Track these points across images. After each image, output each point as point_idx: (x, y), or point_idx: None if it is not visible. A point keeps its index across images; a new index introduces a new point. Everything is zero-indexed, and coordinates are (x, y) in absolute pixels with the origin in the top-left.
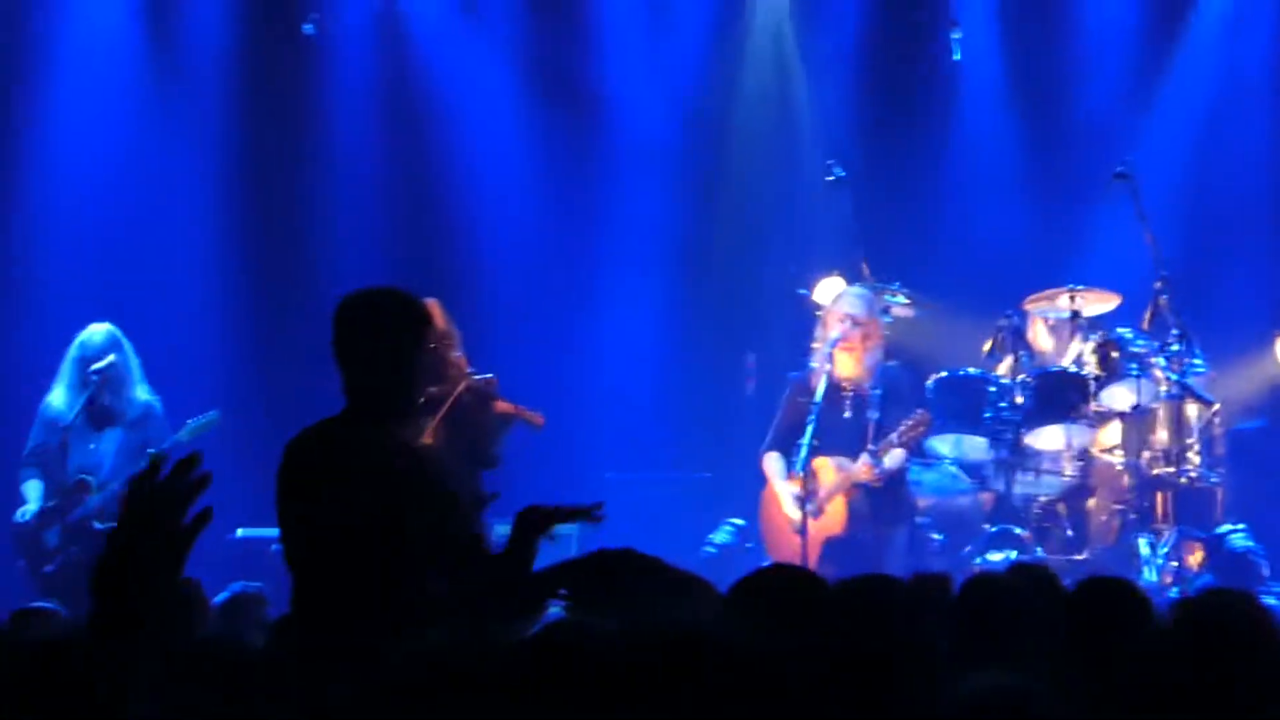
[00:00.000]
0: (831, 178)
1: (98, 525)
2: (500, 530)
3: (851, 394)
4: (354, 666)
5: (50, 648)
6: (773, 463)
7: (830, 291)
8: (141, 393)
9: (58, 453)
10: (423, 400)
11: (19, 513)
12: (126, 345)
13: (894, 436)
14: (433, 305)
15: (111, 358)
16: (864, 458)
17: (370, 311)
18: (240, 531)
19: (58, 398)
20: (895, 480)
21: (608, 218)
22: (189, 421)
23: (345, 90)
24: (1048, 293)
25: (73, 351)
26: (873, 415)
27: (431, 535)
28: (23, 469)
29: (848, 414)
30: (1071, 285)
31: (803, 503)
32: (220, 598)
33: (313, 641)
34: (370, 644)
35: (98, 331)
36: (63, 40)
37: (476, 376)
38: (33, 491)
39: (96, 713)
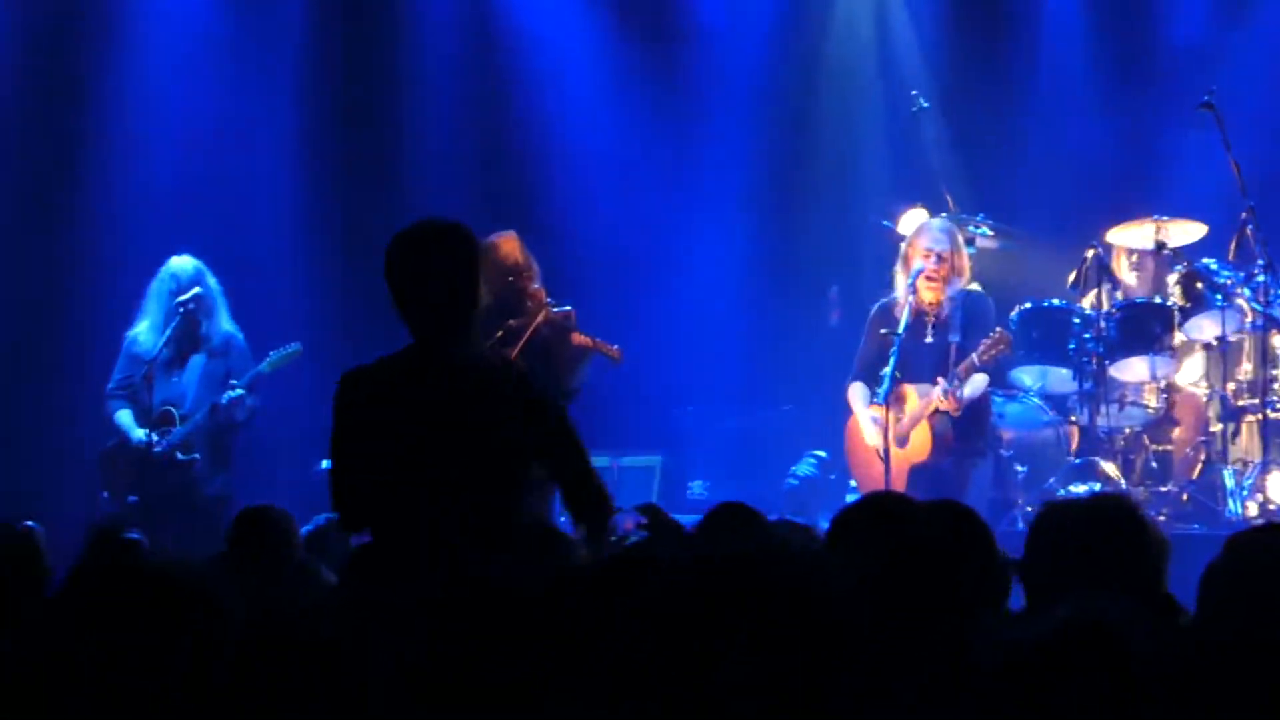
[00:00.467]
0: (915, 108)
1: (181, 456)
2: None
3: (933, 320)
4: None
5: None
6: (857, 392)
7: (914, 222)
8: (225, 324)
9: (143, 384)
10: (500, 333)
11: (133, 436)
12: (210, 278)
13: (974, 358)
14: (510, 238)
15: (196, 289)
16: (942, 385)
17: (436, 241)
18: (326, 463)
19: (144, 331)
20: (978, 410)
21: (693, 150)
22: (271, 353)
23: (428, 23)
24: (1132, 223)
25: (158, 285)
26: (954, 338)
27: (563, 458)
28: (110, 401)
29: (930, 339)
30: (1156, 215)
31: (886, 431)
32: (307, 529)
33: (395, 569)
34: (454, 568)
35: (184, 264)
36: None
37: (555, 309)
38: (127, 419)
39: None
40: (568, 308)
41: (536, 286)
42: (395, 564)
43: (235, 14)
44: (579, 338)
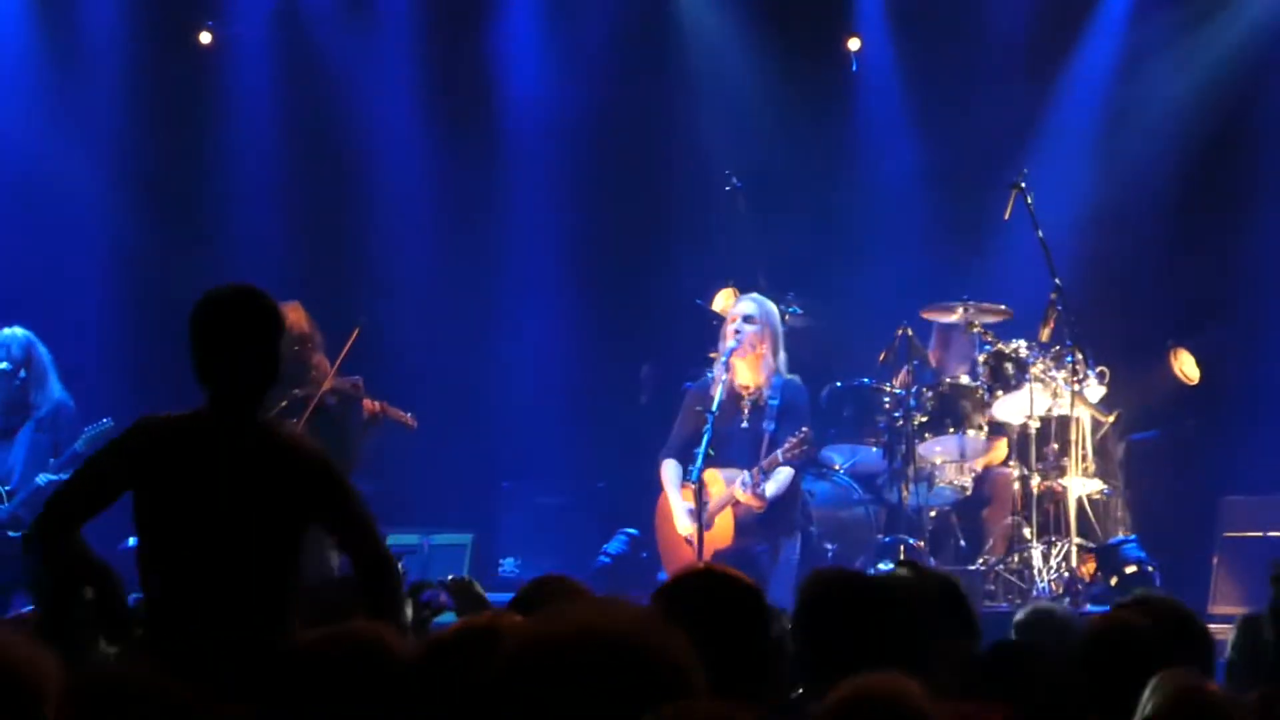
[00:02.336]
0: (728, 187)
1: (11, 534)
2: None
3: (749, 403)
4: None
5: None
6: (668, 470)
7: (726, 302)
8: (56, 391)
9: None
10: (285, 402)
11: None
12: (40, 346)
13: (778, 454)
14: (296, 307)
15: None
16: (742, 479)
17: (237, 307)
18: (132, 540)
19: None
20: (788, 493)
21: (505, 228)
22: (86, 429)
23: (243, 96)
24: (942, 304)
25: None
26: (768, 427)
27: (345, 526)
28: None
29: (745, 424)
30: (966, 298)
31: (699, 511)
32: (135, 598)
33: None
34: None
35: (13, 334)
36: None
37: (341, 379)
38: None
39: None
40: (356, 378)
41: (320, 357)
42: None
43: (45, 64)
44: (369, 404)
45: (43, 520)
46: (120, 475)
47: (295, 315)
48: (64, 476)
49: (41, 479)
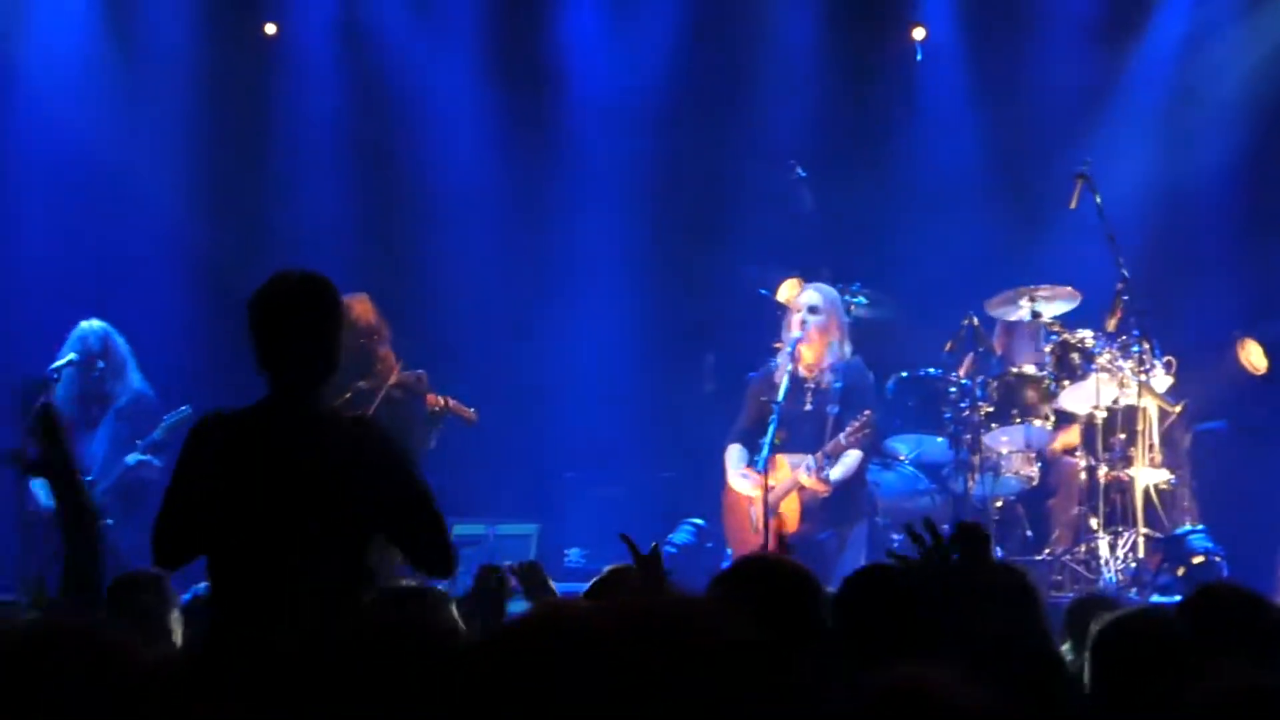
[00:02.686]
0: (793, 177)
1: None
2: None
3: (813, 387)
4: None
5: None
6: (732, 454)
7: (791, 292)
8: (135, 382)
9: None
10: (349, 394)
11: (35, 508)
12: (117, 338)
13: (842, 438)
14: (364, 300)
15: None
16: (807, 464)
17: (298, 293)
18: None
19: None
20: (854, 480)
21: (571, 219)
22: (165, 417)
23: (307, 90)
24: (1008, 293)
25: (67, 348)
26: (832, 410)
27: (407, 517)
28: None
29: (808, 407)
30: (1032, 285)
31: (765, 500)
32: (186, 598)
33: (241, 631)
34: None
35: (90, 328)
36: (23, 45)
37: (406, 372)
38: (42, 488)
39: None
40: (420, 371)
41: (386, 350)
42: (244, 625)
43: (111, 59)
44: (433, 399)
45: (158, 560)
46: (206, 477)
47: (362, 307)
48: (150, 458)
49: (131, 459)
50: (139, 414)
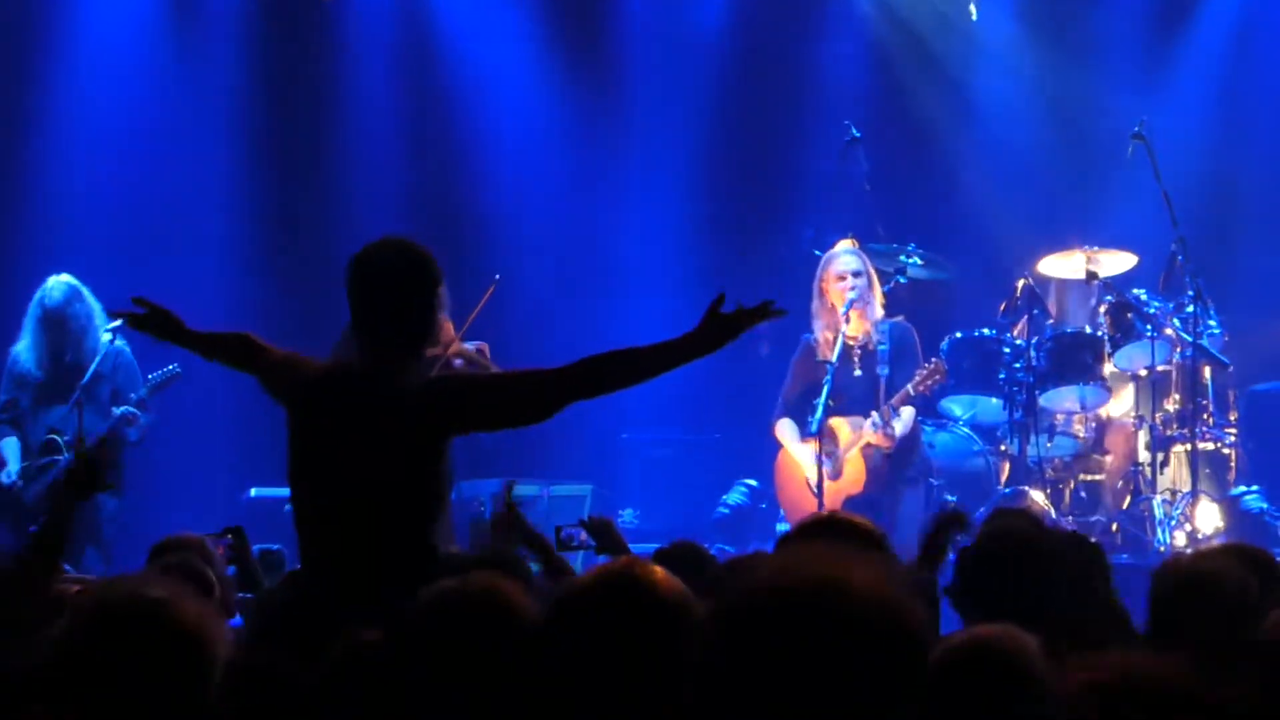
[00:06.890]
0: (848, 139)
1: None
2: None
3: (860, 351)
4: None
5: None
6: (785, 429)
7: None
8: (105, 339)
9: (29, 410)
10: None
11: (2, 474)
12: (87, 294)
13: (909, 388)
14: None
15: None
16: (874, 420)
17: (405, 260)
18: (254, 491)
19: (25, 353)
20: (910, 439)
21: (626, 181)
22: (150, 375)
23: (366, 56)
24: (1063, 253)
25: (33, 306)
26: (883, 371)
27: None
28: None
29: (858, 372)
30: (1087, 245)
31: (820, 463)
32: (261, 548)
33: (329, 590)
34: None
35: (56, 284)
36: (82, 12)
37: (466, 344)
38: (10, 451)
39: None
40: (481, 343)
41: (445, 317)
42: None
43: (170, 26)
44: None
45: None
46: (281, 374)
47: None
48: (135, 411)
49: (118, 412)
50: (118, 371)
